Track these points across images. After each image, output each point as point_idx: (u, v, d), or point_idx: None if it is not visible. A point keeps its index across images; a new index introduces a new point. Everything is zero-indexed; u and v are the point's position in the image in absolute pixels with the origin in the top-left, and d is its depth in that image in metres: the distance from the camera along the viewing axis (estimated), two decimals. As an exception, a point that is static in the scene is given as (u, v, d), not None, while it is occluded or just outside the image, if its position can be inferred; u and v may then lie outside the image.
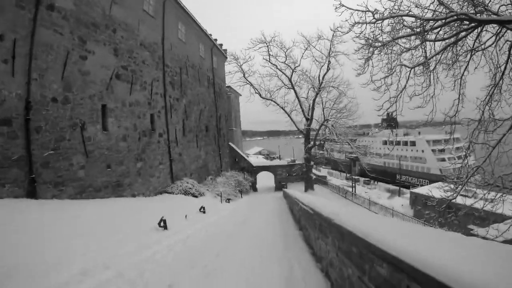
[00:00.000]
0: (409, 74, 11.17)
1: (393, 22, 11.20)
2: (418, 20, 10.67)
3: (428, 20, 10.40)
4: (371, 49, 11.59)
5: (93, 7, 13.37)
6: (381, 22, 11.38)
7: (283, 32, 34.68)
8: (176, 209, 13.94)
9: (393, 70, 11.50)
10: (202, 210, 14.66)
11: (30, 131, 10.12)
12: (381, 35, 11.57)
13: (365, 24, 11.52)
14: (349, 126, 31.04)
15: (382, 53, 11.68)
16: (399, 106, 11.57)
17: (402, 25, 11.08)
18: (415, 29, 10.76)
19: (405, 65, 11.33)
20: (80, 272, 5.52)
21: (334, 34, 30.81)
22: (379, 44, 11.45)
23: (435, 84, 10.77)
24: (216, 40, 32.61)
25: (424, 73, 10.96)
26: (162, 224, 9.78)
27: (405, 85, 11.23)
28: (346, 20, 11.57)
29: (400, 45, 11.45)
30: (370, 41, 11.62)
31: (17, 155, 9.67)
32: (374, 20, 11.38)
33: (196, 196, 19.09)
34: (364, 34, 11.66)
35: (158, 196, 17.14)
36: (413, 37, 11.09)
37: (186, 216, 12.33)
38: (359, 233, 3.05)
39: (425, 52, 10.98)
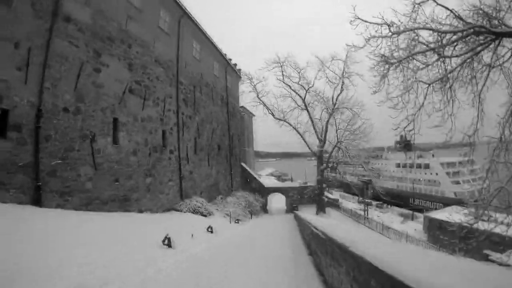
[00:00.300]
0: (427, 91, 10.72)
1: (408, 38, 10.90)
2: (435, 34, 10.32)
3: (445, 32, 10.04)
4: (386, 66, 11.26)
5: (109, 22, 13.52)
6: (397, 37, 11.09)
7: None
8: (183, 227, 13.41)
9: (410, 87, 11.09)
10: (209, 229, 14.07)
11: (39, 138, 10.00)
12: (398, 51, 11.24)
13: (381, 38, 11.23)
14: (363, 148, 30.45)
15: (397, 70, 11.31)
16: (417, 124, 11.07)
17: (417, 41, 10.75)
18: (431, 44, 10.40)
19: (422, 81, 10.91)
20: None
21: (348, 55, 31.04)
22: (395, 60, 11.10)
23: (453, 102, 10.29)
24: (230, 60, 32.90)
25: (442, 90, 10.50)
26: (166, 242, 9.23)
27: (423, 102, 10.77)
28: (361, 34, 11.30)
29: (417, 61, 11.07)
30: (385, 57, 11.29)
31: (24, 162, 9.50)
32: (390, 34, 11.08)
33: (205, 215, 18.52)
34: (380, 49, 11.36)
35: (166, 214, 16.64)
36: (429, 53, 10.72)
37: (192, 235, 11.73)
38: (382, 266, 2.59)
39: (444, 66, 10.56)
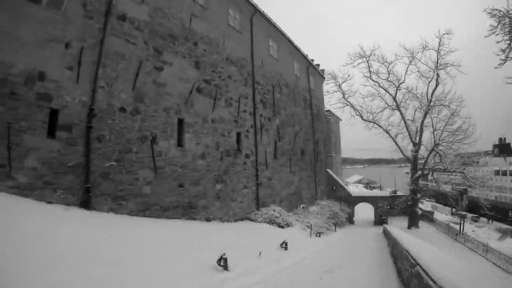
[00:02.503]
0: None
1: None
2: None
3: None
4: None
5: (170, 19, 12.65)
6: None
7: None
8: (253, 241, 11.47)
9: None
10: (283, 246, 11.74)
11: (90, 139, 9.25)
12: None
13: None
14: (461, 153, 25.61)
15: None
16: None
17: None
18: None
19: None
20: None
21: (441, 43, 26.73)
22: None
23: None
24: (313, 60, 30.42)
25: None
26: (222, 263, 7.20)
27: None
28: None
29: None
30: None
31: (74, 162, 8.81)
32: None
33: (282, 227, 16.25)
34: None
35: (238, 223, 14.96)
36: None
37: (260, 254, 9.46)
38: None
39: None
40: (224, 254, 7.33)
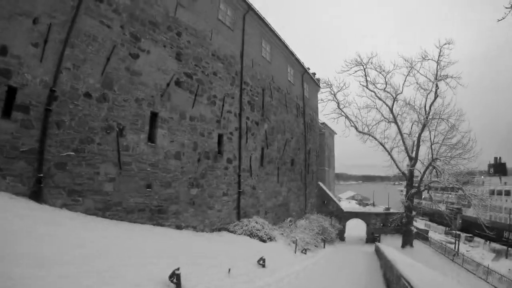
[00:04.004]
0: None
1: None
2: None
3: None
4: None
5: (153, 6, 12.26)
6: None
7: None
8: (227, 255, 10.68)
9: None
10: (261, 262, 11.01)
11: (48, 123, 8.65)
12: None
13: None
14: (460, 170, 25.03)
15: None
16: None
17: None
18: None
19: None
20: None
21: (441, 53, 26.99)
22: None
23: None
24: (308, 68, 30.21)
25: None
26: (175, 280, 6.36)
27: None
28: None
29: None
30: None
31: (27, 147, 8.19)
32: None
33: (264, 241, 15.51)
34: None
35: (214, 234, 14.20)
36: None
37: (229, 271, 8.67)
38: None
39: None
40: (178, 269, 6.45)
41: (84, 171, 9.35)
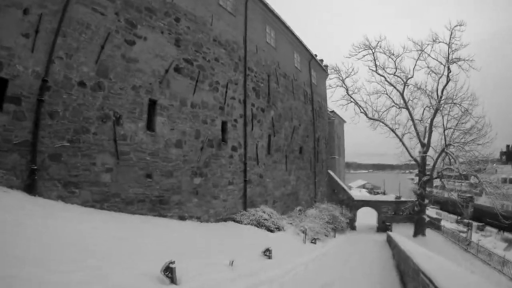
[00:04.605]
0: None
1: None
2: None
3: None
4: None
5: (149, -9, 11.88)
6: None
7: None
8: (231, 247, 10.53)
9: None
10: (267, 253, 10.80)
11: (41, 114, 8.57)
12: None
13: None
14: (473, 157, 24.18)
15: None
16: None
17: None
18: None
19: None
20: None
21: (452, 35, 25.82)
22: None
23: None
24: (316, 55, 29.70)
25: None
26: (169, 274, 6.13)
27: None
28: None
29: None
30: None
31: (20, 140, 8.16)
32: None
33: (271, 231, 15.33)
34: None
35: (219, 224, 14.04)
36: None
37: (231, 263, 8.44)
38: None
39: None
40: (173, 262, 6.20)
41: (79, 162, 9.27)
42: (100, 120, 9.84)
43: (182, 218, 12.43)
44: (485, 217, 46.65)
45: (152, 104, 11.75)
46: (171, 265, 6.09)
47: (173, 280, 6.11)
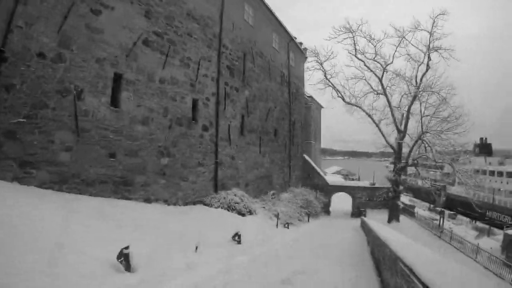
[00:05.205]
0: None
1: None
2: None
3: None
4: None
5: (117, -41, 11.25)
6: None
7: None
8: (199, 231, 10.42)
9: None
10: (236, 238, 10.92)
11: None
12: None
13: None
14: (452, 144, 25.42)
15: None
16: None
17: None
18: None
19: None
20: None
21: (434, 24, 26.74)
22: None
23: None
24: (295, 38, 29.56)
25: None
26: (123, 261, 6.02)
27: None
28: None
29: None
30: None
31: None
32: None
33: (242, 214, 15.37)
34: None
35: (188, 207, 13.93)
36: None
37: (196, 248, 8.46)
38: None
39: None
40: (127, 247, 6.09)
41: (36, 139, 8.81)
42: (59, 94, 9.34)
43: (148, 200, 12.23)
44: (456, 206, 49.59)
45: (118, 78, 11.28)
46: (125, 251, 5.98)
47: (128, 268, 6.03)
